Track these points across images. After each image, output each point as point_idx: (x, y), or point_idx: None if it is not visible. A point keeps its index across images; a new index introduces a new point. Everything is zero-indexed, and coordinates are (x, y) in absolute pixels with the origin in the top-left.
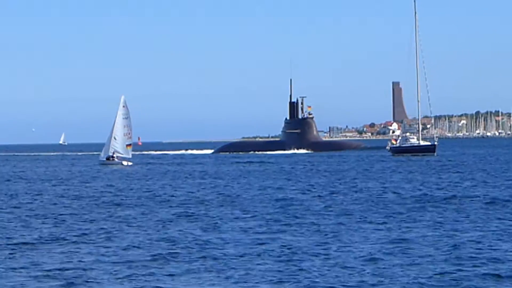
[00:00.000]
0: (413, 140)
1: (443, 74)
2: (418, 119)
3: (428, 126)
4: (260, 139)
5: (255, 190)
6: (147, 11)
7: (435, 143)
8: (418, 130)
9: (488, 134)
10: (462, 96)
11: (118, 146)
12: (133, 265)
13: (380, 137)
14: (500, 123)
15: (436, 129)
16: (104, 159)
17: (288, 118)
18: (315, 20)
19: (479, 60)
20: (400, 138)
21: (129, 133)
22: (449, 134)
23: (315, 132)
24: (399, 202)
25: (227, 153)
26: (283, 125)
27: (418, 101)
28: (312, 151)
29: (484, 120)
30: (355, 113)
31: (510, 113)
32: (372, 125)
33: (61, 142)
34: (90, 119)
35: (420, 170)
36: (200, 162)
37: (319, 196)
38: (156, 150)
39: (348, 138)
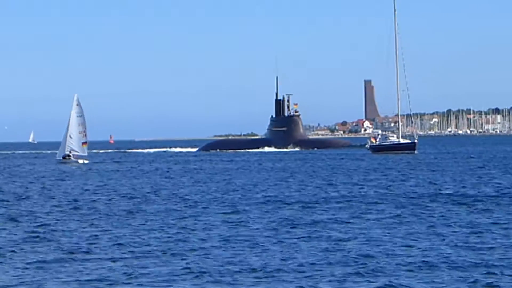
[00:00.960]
0: (393, 138)
1: (415, 73)
2: (398, 117)
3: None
4: (244, 137)
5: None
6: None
7: (415, 141)
8: (398, 128)
9: (460, 132)
10: (434, 95)
11: (74, 144)
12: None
13: (352, 135)
14: (471, 121)
15: (408, 127)
16: (61, 158)
17: (274, 116)
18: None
19: (450, 59)
20: (379, 136)
21: (84, 131)
22: (421, 132)
23: (301, 130)
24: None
25: (212, 151)
26: (268, 123)
27: (398, 99)
28: (305, 149)
29: (455, 119)
30: (327, 111)
31: (481, 111)
32: (344, 123)
33: (30, 140)
34: (60, 118)
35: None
36: (168, 160)
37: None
38: (143, 148)
39: (320, 136)
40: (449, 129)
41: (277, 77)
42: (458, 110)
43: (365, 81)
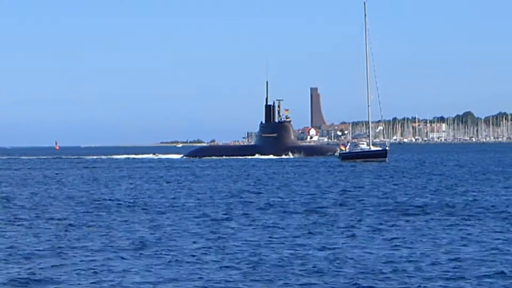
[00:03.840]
0: (363, 146)
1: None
2: (369, 123)
3: (346, 132)
4: (233, 144)
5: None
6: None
7: (387, 148)
8: (369, 135)
9: (405, 140)
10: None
11: None
12: None
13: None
14: (416, 129)
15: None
16: None
17: (263, 121)
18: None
19: (395, 67)
20: (349, 143)
21: None
22: (366, 140)
23: (292, 137)
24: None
25: (196, 158)
26: (257, 129)
27: (368, 105)
28: (304, 156)
29: (401, 127)
30: None
31: (426, 120)
32: None
33: None
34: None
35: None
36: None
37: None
38: (130, 154)
39: (232, 144)
40: (394, 137)
41: (267, 82)
42: (404, 119)
43: (311, 89)
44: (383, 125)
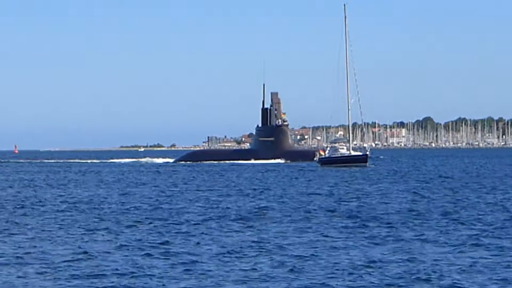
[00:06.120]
0: (343, 150)
1: (321, 85)
2: (349, 128)
3: (306, 136)
4: (228, 148)
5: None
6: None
7: (367, 153)
8: (349, 140)
9: (365, 145)
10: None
11: None
12: None
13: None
14: (376, 134)
15: (314, 139)
16: None
17: (260, 125)
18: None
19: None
20: (328, 148)
21: None
22: (326, 145)
23: (290, 141)
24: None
25: (189, 162)
26: (254, 132)
27: (348, 109)
28: (291, 162)
29: (361, 131)
30: (233, 123)
31: (386, 125)
32: (250, 135)
33: None
34: None
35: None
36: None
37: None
38: (123, 158)
39: (226, 148)
40: (354, 142)
41: (264, 85)
42: (364, 123)
43: (272, 93)
44: (343, 130)
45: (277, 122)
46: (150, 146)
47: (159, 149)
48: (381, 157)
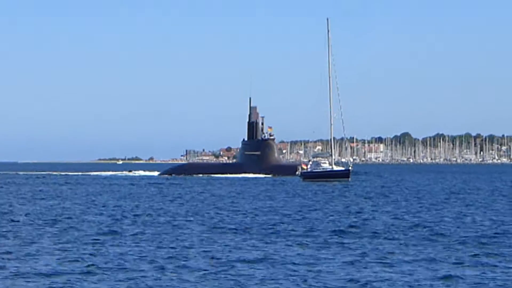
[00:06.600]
0: (325, 165)
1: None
2: (331, 141)
3: (284, 151)
4: (214, 162)
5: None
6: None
7: (350, 168)
8: (331, 154)
9: (343, 160)
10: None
11: None
12: None
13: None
14: (354, 149)
15: (292, 153)
16: None
17: (245, 139)
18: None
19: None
20: (311, 162)
21: None
22: (305, 160)
23: (276, 155)
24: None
25: (173, 175)
26: (240, 146)
27: (331, 124)
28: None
29: (339, 146)
30: (211, 136)
31: (364, 140)
32: (228, 149)
33: None
34: None
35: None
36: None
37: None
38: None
39: (204, 161)
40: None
41: (250, 98)
42: (342, 138)
43: (251, 107)
44: (321, 144)
45: (263, 136)
46: (128, 159)
47: (137, 162)
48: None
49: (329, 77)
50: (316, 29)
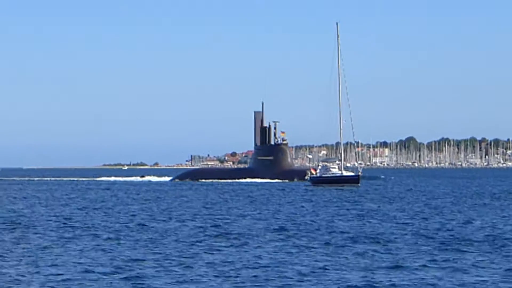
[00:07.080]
0: (335, 170)
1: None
2: (341, 146)
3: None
4: (226, 167)
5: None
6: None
7: (359, 173)
8: (341, 160)
9: (348, 164)
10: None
11: None
12: None
13: (242, 166)
14: (359, 154)
15: (298, 159)
16: None
17: (258, 144)
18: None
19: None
20: (320, 167)
21: None
22: (310, 165)
23: (289, 160)
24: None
25: (187, 180)
26: (245, 151)
27: (340, 128)
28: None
29: (344, 151)
30: (216, 141)
31: (369, 144)
32: (233, 154)
33: None
34: None
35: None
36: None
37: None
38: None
39: (209, 166)
40: (337, 162)
41: (262, 103)
42: (347, 143)
43: (255, 112)
44: (326, 149)
45: (275, 141)
46: (133, 165)
47: (142, 167)
48: (382, 176)
49: (339, 82)
50: (324, 32)
